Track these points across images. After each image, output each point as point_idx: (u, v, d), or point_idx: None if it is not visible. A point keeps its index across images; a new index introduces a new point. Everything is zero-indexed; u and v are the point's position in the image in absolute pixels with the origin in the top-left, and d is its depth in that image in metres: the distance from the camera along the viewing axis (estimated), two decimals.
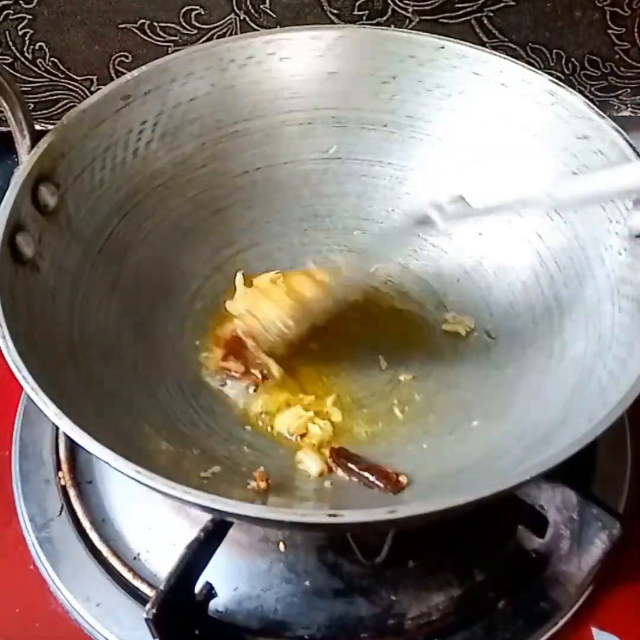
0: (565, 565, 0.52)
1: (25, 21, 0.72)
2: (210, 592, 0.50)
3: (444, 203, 0.53)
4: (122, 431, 0.50)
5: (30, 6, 0.71)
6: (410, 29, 0.71)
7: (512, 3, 0.71)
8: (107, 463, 0.41)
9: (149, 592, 0.52)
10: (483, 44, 0.73)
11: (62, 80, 0.77)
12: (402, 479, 0.51)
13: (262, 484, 0.51)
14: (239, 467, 0.52)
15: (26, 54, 0.74)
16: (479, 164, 0.63)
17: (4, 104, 0.54)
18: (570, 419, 0.49)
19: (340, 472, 0.53)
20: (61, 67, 0.76)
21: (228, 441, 0.54)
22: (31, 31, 0.73)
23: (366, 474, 0.52)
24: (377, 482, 0.51)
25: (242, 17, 0.72)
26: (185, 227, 0.63)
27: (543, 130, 0.59)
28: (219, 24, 0.73)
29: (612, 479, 0.57)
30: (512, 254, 0.62)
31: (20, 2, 0.70)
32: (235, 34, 0.73)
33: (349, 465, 0.53)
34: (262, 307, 0.57)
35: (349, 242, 0.66)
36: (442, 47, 0.61)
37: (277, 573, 0.53)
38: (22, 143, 0.55)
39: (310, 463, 0.53)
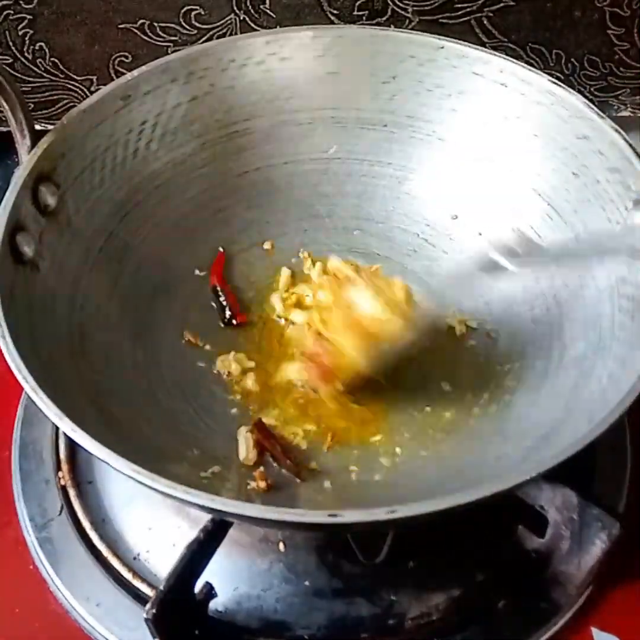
0: (565, 566, 0.52)
1: (25, 21, 0.72)
2: (210, 592, 0.50)
3: (510, 243, 0.50)
4: (122, 431, 0.50)
5: (30, 6, 0.71)
6: (410, 29, 0.71)
7: (512, 3, 0.71)
8: (107, 463, 0.41)
9: (149, 592, 0.52)
10: (483, 44, 0.73)
11: (62, 80, 0.77)
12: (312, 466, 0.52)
13: (262, 484, 0.51)
14: (239, 467, 0.52)
15: (26, 54, 0.74)
16: (478, 164, 0.63)
17: (4, 104, 0.54)
18: (570, 419, 0.49)
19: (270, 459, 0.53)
20: (61, 67, 0.76)
21: (228, 441, 0.54)
22: (31, 31, 0.73)
23: (278, 449, 0.53)
24: (283, 458, 0.52)
25: (242, 17, 0.72)
26: (185, 227, 0.63)
27: (543, 130, 0.59)
28: (219, 24, 0.73)
29: (612, 479, 0.57)
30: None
31: (20, 2, 0.70)
32: (235, 34, 0.73)
33: (264, 437, 0.53)
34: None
35: (349, 242, 0.66)
36: (442, 47, 0.61)
37: (277, 573, 0.53)
38: (22, 143, 0.55)
39: (242, 448, 0.53)
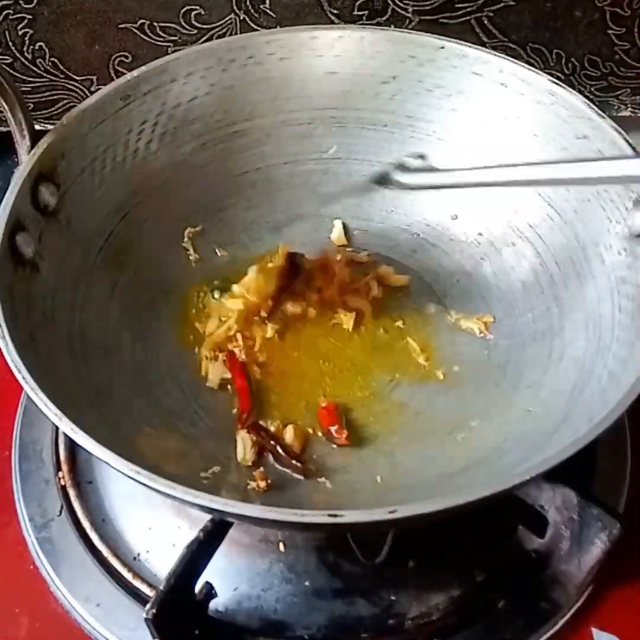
0: (565, 565, 0.52)
1: (25, 21, 0.72)
2: (210, 592, 0.50)
3: (406, 160, 0.53)
4: (122, 431, 0.50)
5: (30, 6, 0.71)
6: (410, 29, 0.71)
7: (512, 3, 0.71)
8: (107, 463, 0.41)
9: (149, 592, 0.52)
10: (483, 44, 0.73)
11: (62, 80, 0.77)
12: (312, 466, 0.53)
13: (262, 484, 0.51)
14: (239, 467, 0.52)
15: (26, 54, 0.74)
16: (478, 164, 0.63)
17: (4, 104, 0.54)
18: (570, 419, 0.49)
19: (270, 459, 0.54)
20: (61, 67, 0.76)
21: (228, 441, 0.54)
22: (31, 31, 0.72)
23: (278, 450, 0.53)
24: (285, 457, 0.53)
25: (242, 17, 0.72)
26: (185, 227, 0.63)
27: (543, 130, 0.59)
28: (219, 24, 0.73)
29: (612, 479, 0.57)
30: (512, 254, 0.62)
31: (20, 2, 0.70)
32: (235, 34, 0.73)
33: (263, 436, 0.54)
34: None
35: (349, 242, 0.66)
36: (442, 47, 0.61)
37: (277, 573, 0.53)
38: (22, 143, 0.55)
39: (240, 448, 0.54)
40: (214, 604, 0.51)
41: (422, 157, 0.53)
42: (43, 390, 0.43)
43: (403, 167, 0.52)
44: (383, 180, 0.52)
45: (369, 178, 0.53)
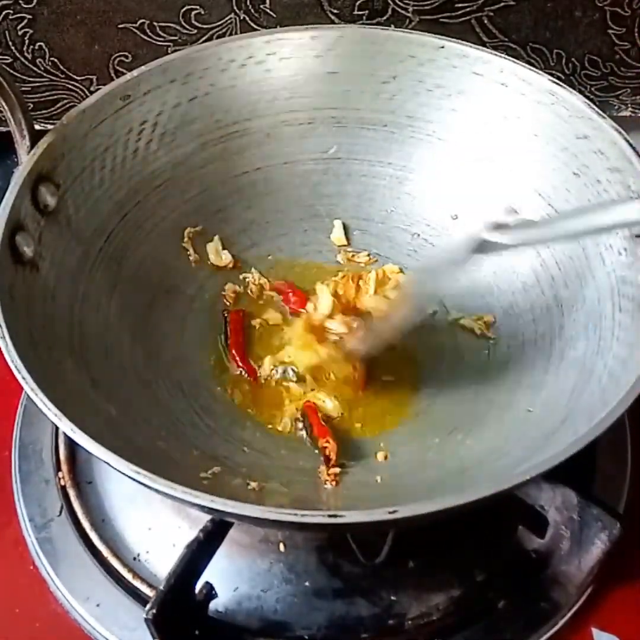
0: (565, 566, 0.52)
1: (25, 21, 0.72)
2: (210, 592, 0.50)
3: (502, 220, 0.50)
4: (121, 431, 0.50)
5: (30, 6, 0.71)
6: (410, 29, 0.71)
7: (512, 3, 0.71)
8: (107, 463, 0.41)
9: (149, 593, 0.52)
10: (483, 44, 0.73)
11: (62, 80, 0.77)
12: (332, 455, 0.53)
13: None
14: (239, 467, 0.52)
15: (26, 54, 0.74)
16: (479, 164, 0.63)
17: (4, 104, 0.54)
18: (570, 419, 0.49)
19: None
20: (61, 67, 0.76)
21: (228, 441, 0.54)
22: (31, 31, 0.73)
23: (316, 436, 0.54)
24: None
25: (242, 17, 0.72)
26: (185, 227, 0.63)
27: (543, 130, 0.59)
28: (219, 24, 0.73)
29: (612, 479, 0.57)
30: (512, 254, 0.61)
31: (20, 2, 0.70)
32: (235, 34, 0.73)
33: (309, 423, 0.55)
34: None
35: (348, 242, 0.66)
36: (442, 47, 0.61)
37: (277, 573, 0.53)
38: (22, 143, 0.55)
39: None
40: (214, 604, 0.51)
41: (514, 211, 0.51)
42: (43, 390, 0.43)
43: (499, 227, 0.49)
44: (482, 248, 0.49)
45: (468, 250, 0.49)
